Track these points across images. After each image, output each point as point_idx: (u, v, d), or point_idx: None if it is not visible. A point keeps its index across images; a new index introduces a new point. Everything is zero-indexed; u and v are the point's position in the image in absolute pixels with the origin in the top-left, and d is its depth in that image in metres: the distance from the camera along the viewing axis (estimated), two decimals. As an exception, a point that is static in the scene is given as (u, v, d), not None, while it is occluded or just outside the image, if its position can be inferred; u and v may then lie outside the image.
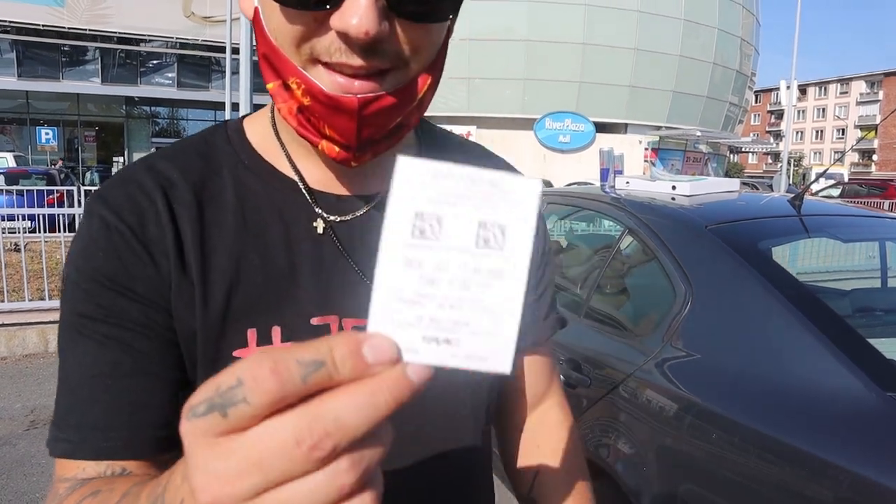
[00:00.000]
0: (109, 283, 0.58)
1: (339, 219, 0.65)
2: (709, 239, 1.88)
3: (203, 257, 0.60)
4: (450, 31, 0.61)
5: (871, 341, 1.57)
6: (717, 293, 1.79)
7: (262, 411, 0.28)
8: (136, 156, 24.00)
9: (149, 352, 0.58)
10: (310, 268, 0.62)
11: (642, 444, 1.78)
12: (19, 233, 6.61)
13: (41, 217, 6.74)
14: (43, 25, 20.93)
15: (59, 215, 7.60)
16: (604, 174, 12.88)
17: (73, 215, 8.85)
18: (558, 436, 0.81)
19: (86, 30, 21.37)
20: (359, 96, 0.53)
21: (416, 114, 0.60)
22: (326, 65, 0.53)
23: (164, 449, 0.58)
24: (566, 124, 25.81)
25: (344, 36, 0.51)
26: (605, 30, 21.79)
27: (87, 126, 25.25)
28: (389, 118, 0.57)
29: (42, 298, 5.85)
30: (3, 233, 6.56)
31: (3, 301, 5.76)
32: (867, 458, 1.30)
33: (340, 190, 0.66)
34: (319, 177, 0.65)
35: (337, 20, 0.51)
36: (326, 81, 0.54)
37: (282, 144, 0.66)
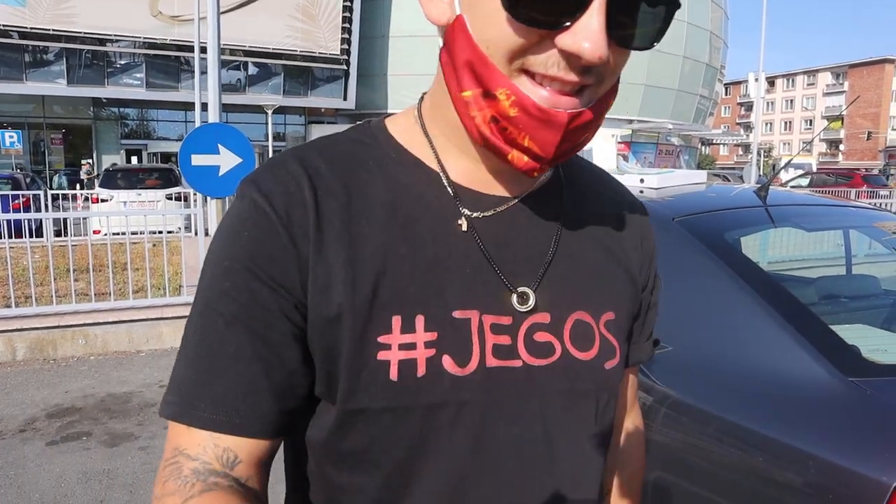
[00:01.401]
0: (248, 264, 0.61)
1: (481, 215, 0.66)
2: (676, 230, 1.90)
3: (351, 244, 0.62)
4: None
5: (836, 328, 1.59)
6: (685, 285, 1.81)
7: None
8: (106, 158, 23.66)
9: (272, 340, 0.61)
10: (454, 262, 0.64)
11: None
12: (-17, 239, 6.46)
13: (6, 223, 6.58)
14: (3, 25, 20.41)
15: (24, 220, 7.43)
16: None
17: (40, 220, 8.66)
18: (630, 440, 0.87)
19: (49, 30, 20.90)
20: (568, 111, 0.56)
21: (596, 130, 0.62)
22: (533, 76, 0.56)
23: (270, 434, 0.62)
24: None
25: (569, 55, 0.54)
26: (576, 24, 21.90)
27: (53, 128, 24.71)
28: (586, 133, 0.60)
29: (8, 306, 5.72)
30: (-33, 239, 6.40)
31: (-33, 309, 5.63)
32: (832, 442, 1.32)
33: (485, 188, 0.67)
34: (465, 174, 0.67)
35: (568, 40, 0.53)
36: (536, 95, 0.56)
37: (429, 140, 0.68)
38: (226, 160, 5.07)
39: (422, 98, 0.71)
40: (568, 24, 0.53)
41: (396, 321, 0.61)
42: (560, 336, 0.67)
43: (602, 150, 4.46)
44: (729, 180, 20.14)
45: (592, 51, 0.52)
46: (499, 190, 0.68)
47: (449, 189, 0.66)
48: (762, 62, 22.29)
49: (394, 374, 0.60)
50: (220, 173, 5.02)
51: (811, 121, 74.82)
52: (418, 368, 0.60)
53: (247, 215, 0.62)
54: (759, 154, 23.04)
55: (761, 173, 28.25)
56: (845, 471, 1.26)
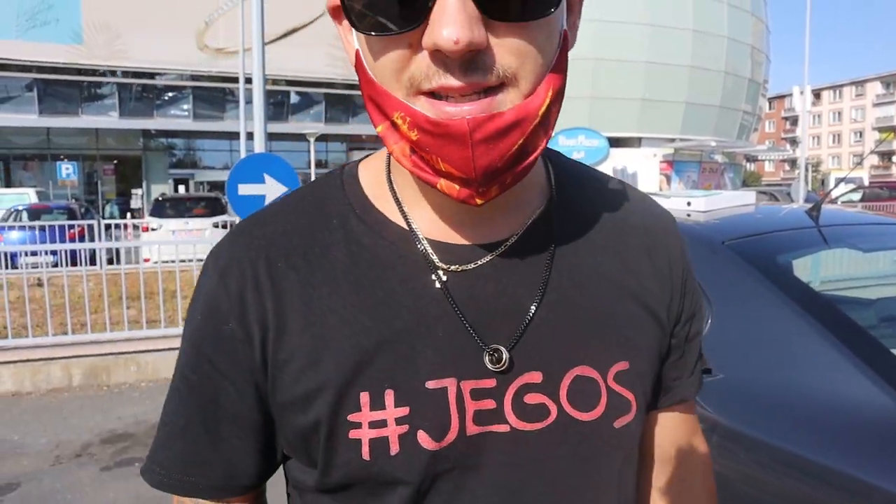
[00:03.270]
0: (200, 347, 0.62)
1: (458, 268, 0.60)
2: (726, 254, 1.86)
3: (311, 319, 0.59)
4: (567, 35, 0.55)
5: (898, 353, 1.54)
6: (738, 310, 1.77)
7: None
8: (155, 188, 24.45)
9: (220, 418, 0.62)
10: (425, 327, 0.58)
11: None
12: (42, 268, 6.72)
13: (63, 251, 6.85)
14: (63, 63, 21.42)
15: (80, 250, 7.71)
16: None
17: (94, 250, 8.99)
18: (693, 491, 0.76)
19: (104, 66, 21.85)
20: (468, 118, 0.48)
21: (542, 135, 0.53)
22: (430, 94, 0.50)
23: (231, 494, 0.65)
24: (579, 140, 25.76)
25: (437, 53, 0.47)
26: (614, 44, 21.85)
27: (105, 160, 25.73)
28: (510, 140, 0.50)
29: (65, 333, 5.92)
30: (27, 268, 6.67)
31: (27, 336, 5.84)
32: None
33: (459, 238, 0.61)
34: (436, 224, 0.61)
35: (427, 37, 0.47)
36: (432, 110, 0.49)
37: (393, 191, 0.62)
38: (271, 189, 5.19)
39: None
40: (423, 18, 0.47)
41: (365, 398, 0.57)
42: (555, 396, 0.60)
43: (645, 170, 4.40)
44: (777, 199, 19.66)
45: (448, 36, 0.45)
46: (476, 237, 0.61)
47: (418, 246, 0.60)
48: (807, 75, 21.83)
49: (366, 453, 0.57)
50: (267, 202, 5.14)
51: (861, 133, 72.64)
52: (391, 446, 0.57)
53: (203, 295, 0.62)
54: (806, 169, 22.44)
55: (810, 189, 27.50)
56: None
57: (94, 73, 22.19)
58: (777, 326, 1.67)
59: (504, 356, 0.58)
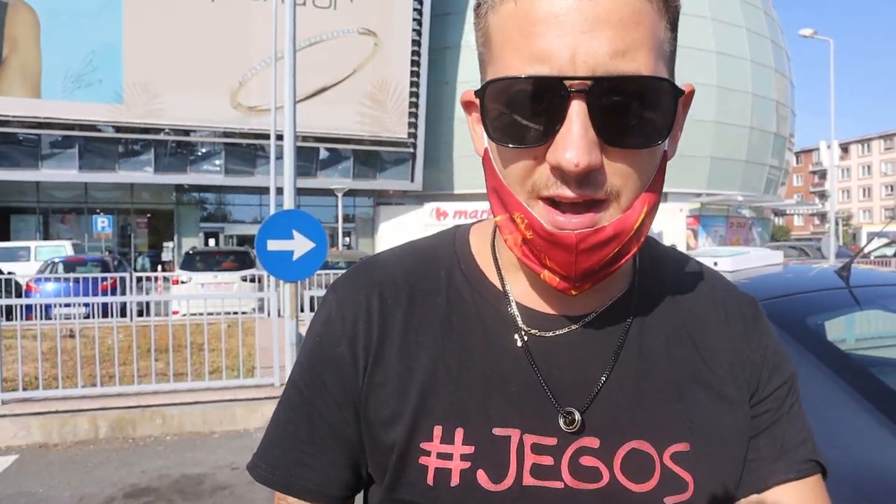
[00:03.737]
0: (315, 366, 0.71)
1: (539, 334, 0.67)
2: (754, 316, 1.84)
3: (407, 352, 0.68)
4: (666, 155, 0.63)
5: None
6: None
7: None
8: (186, 241, 24.95)
9: (321, 429, 0.70)
10: (501, 379, 0.65)
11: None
12: (74, 319, 6.86)
13: (95, 303, 6.99)
14: (103, 121, 22.31)
15: (111, 303, 7.86)
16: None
17: (125, 303, 9.15)
18: None
19: (141, 124, 22.68)
20: (576, 232, 0.57)
21: (634, 243, 0.61)
22: (546, 199, 0.58)
23: (322, 499, 0.71)
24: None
25: (558, 169, 0.55)
26: (637, 100, 22.07)
27: (139, 213, 26.44)
28: (607, 250, 0.59)
29: (94, 385, 5.99)
30: (60, 319, 6.81)
31: (57, 388, 5.91)
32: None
33: (546, 307, 0.68)
34: (528, 292, 0.69)
35: (551, 154, 0.56)
36: (546, 218, 0.58)
37: (495, 257, 0.71)
38: (300, 245, 5.28)
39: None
40: (548, 138, 0.55)
41: (438, 431, 0.65)
42: (609, 463, 0.64)
43: (671, 225, 4.38)
44: (807, 253, 19.33)
45: (570, 159, 0.53)
46: (561, 309, 0.68)
47: (509, 307, 0.68)
48: (833, 129, 21.78)
49: (430, 479, 0.64)
50: (294, 258, 5.22)
51: (892, 186, 71.73)
52: (452, 478, 0.63)
53: (322, 321, 0.72)
54: (837, 223, 22.14)
55: (841, 243, 27.03)
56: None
57: (131, 130, 23.03)
58: (809, 392, 1.64)
59: (577, 418, 0.64)
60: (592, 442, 0.64)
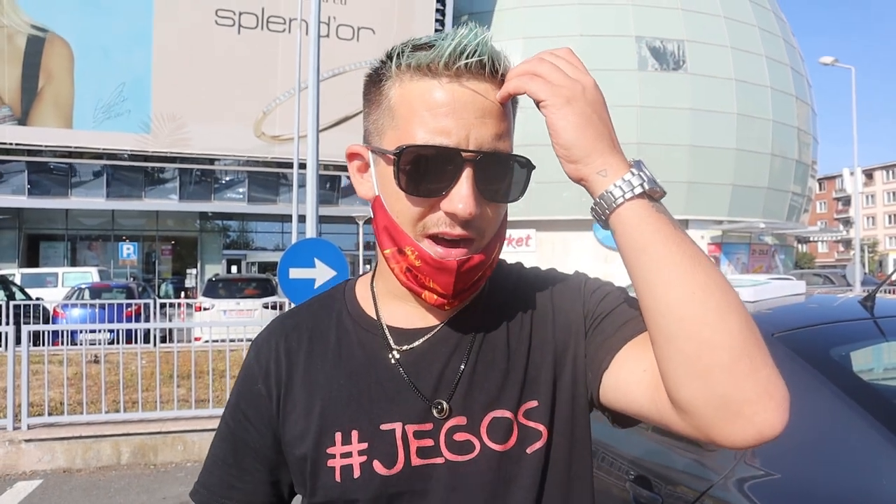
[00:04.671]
0: (239, 402, 0.90)
1: (406, 348, 0.85)
2: (777, 347, 1.83)
3: (309, 380, 0.86)
4: (507, 207, 0.83)
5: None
6: (792, 405, 1.72)
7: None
8: (209, 268, 25.25)
9: (245, 454, 0.88)
10: (382, 388, 0.83)
11: (724, 571, 1.67)
12: (99, 344, 6.96)
13: (120, 329, 7.08)
14: (130, 151, 22.81)
15: (135, 329, 7.96)
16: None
17: (149, 329, 9.25)
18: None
19: (167, 153, 23.15)
20: (457, 259, 0.77)
21: (490, 268, 0.83)
22: (431, 236, 0.77)
23: None
24: (624, 222, 25.63)
25: (451, 215, 0.75)
26: (658, 129, 22.12)
27: (164, 240, 26.82)
28: (476, 273, 0.80)
29: (117, 410, 6.05)
30: (85, 344, 6.91)
31: (81, 413, 5.98)
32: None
33: (410, 324, 0.87)
34: (396, 316, 0.87)
35: (447, 204, 0.75)
36: (432, 250, 0.77)
37: (373, 295, 0.90)
38: (321, 273, 5.32)
39: (375, 265, 0.92)
40: (445, 192, 0.75)
41: (338, 436, 0.82)
42: (477, 433, 0.81)
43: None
44: (833, 281, 19.01)
45: (464, 209, 0.74)
46: (423, 322, 0.86)
47: (381, 332, 0.87)
48: (856, 156, 21.55)
49: (337, 476, 0.81)
50: (316, 286, 5.27)
51: (919, 214, 70.43)
52: (354, 471, 0.80)
53: (245, 366, 0.91)
54: (862, 250, 21.78)
55: (867, 271, 26.55)
56: None
57: (158, 159, 23.50)
58: (833, 423, 1.62)
59: (445, 406, 0.82)
60: (461, 420, 0.81)
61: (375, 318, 0.88)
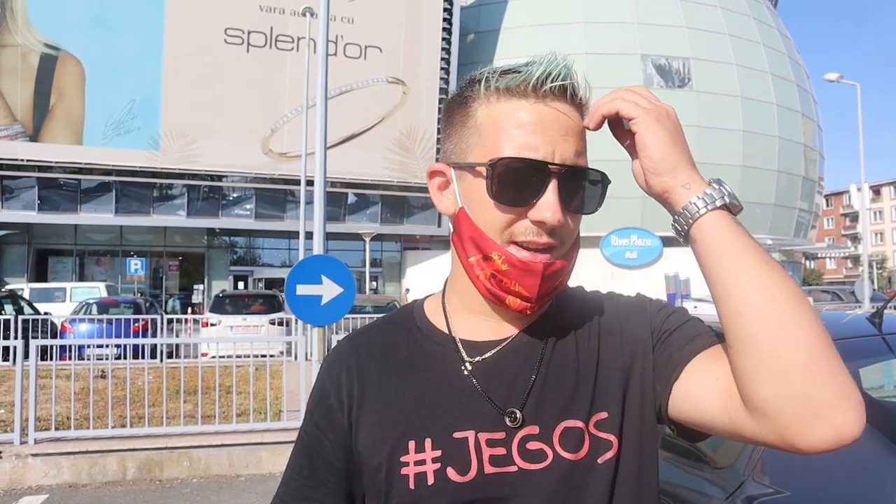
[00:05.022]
0: (314, 413, 0.94)
1: (479, 359, 0.88)
2: (784, 364, 1.82)
3: (381, 391, 0.89)
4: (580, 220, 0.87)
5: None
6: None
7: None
8: (216, 283, 25.32)
9: (319, 466, 0.91)
10: (455, 397, 0.86)
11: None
12: (106, 360, 6.97)
13: (127, 345, 7.10)
14: (139, 167, 23.01)
15: (142, 345, 7.98)
16: (671, 299, 12.78)
17: (156, 345, 9.28)
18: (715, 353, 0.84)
19: (176, 169, 23.34)
20: (542, 262, 0.81)
21: (568, 275, 0.87)
22: (517, 243, 0.81)
23: None
24: (632, 240, 25.66)
25: (539, 223, 0.80)
26: (663, 145, 22.10)
27: (171, 256, 26.96)
28: (558, 278, 0.84)
29: (123, 425, 6.04)
30: (93, 359, 6.93)
31: (88, 428, 5.98)
32: None
33: (482, 336, 0.90)
34: (468, 329, 0.91)
35: (535, 213, 0.80)
36: (519, 255, 0.81)
37: (444, 311, 0.94)
38: (328, 290, 5.34)
39: (447, 281, 0.96)
40: (534, 202, 0.79)
41: (412, 444, 0.84)
42: (550, 443, 0.83)
43: (699, 271, 4.32)
44: (841, 297, 18.88)
45: (552, 217, 0.79)
46: (494, 335, 0.89)
47: (453, 344, 0.90)
48: (863, 171, 21.51)
49: (412, 484, 0.82)
50: (323, 302, 5.28)
51: (928, 231, 70.05)
52: (428, 478, 0.82)
53: (318, 382, 0.95)
54: (871, 266, 21.66)
55: (875, 287, 26.38)
56: None
57: (166, 175, 23.69)
58: (843, 441, 1.61)
59: (518, 415, 0.83)
60: (533, 429, 0.83)
61: (447, 331, 0.91)
